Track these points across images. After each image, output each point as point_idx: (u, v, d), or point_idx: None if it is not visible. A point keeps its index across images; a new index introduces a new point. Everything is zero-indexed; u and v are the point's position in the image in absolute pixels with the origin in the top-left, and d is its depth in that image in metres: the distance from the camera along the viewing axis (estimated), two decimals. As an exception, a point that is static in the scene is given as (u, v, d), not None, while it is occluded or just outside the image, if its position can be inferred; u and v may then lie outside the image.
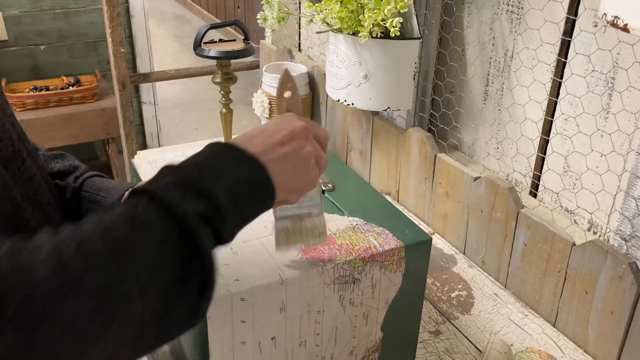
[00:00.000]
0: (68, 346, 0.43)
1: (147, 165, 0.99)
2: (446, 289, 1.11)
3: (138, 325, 0.47)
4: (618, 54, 0.95)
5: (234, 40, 1.86)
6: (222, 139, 1.10)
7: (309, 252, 0.74)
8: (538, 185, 1.15)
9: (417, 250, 0.78)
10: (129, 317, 0.46)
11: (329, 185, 0.90)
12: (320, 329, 0.76)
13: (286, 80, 0.68)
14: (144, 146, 3.17)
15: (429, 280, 1.13)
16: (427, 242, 0.80)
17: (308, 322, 0.74)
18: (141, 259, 0.47)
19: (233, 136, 1.03)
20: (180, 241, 0.49)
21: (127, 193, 0.53)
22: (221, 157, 0.55)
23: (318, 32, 1.26)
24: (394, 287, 0.78)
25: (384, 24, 1.10)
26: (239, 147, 0.56)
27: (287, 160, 0.59)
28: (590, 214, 1.05)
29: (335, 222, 0.82)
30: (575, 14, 1.00)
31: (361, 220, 0.82)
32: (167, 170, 0.53)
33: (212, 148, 0.56)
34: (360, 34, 1.12)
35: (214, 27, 1.83)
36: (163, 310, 0.48)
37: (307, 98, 1.64)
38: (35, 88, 2.59)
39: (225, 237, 0.53)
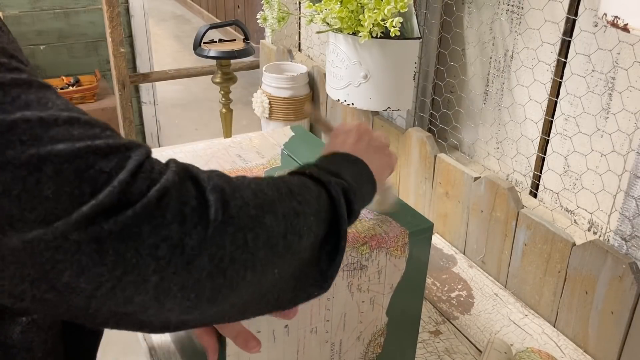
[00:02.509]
0: (262, 259, 0.50)
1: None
2: (446, 289, 1.11)
3: (296, 266, 0.54)
4: (618, 54, 0.95)
5: (234, 40, 1.87)
6: (221, 139, 1.10)
7: None
8: (538, 185, 1.15)
9: (420, 236, 0.80)
10: (296, 252, 0.53)
11: None
12: (330, 316, 0.78)
13: (309, 109, 0.80)
14: (143, 146, 3.17)
15: (428, 280, 1.13)
16: (429, 228, 0.82)
17: (319, 309, 0.76)
18: (309, 204, 0.56)
19: (233, 136, 1.03)
20: (327, 202, 0.58)
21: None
22: (335, 158, 0.67)
23: (318, 32, 1.26)
24: (398, 273, 0.81)
25: (384, 23, 1.10)
26: (341, 152, 0.69)
27: (369, 152, 0.71)
28: (591, 214, 1.05)
29: None
30: (576, 14, 1.00)
31: (364, 209, 0.83)
32: (299, 168, 0.63)
33: (324, 156, 0.68)
34: (360, 34, 1.12)
35: (214, 27, 1.83)
36: (309, 260, 0.56)
37: (307, 98, 1.64)
38: (35, 88, 2.58)
39: (355, 210, 0.63)
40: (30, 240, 0.40)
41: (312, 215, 0.55)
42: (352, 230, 0.79)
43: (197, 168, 0.50)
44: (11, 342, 0.56)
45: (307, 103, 0.85)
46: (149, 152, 0.47)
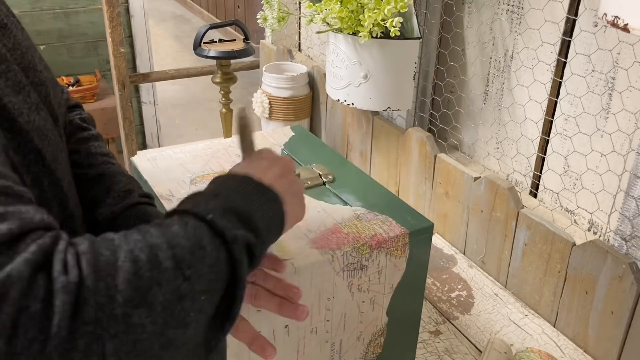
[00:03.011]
0: None
1: (147, 163, 0.99)
2: (446, 289, 1.11)
3: (182, 356, 0.45)
4: (618, 54, 0.95)
5: (234, 40, 1.87)
6: (221, 139, 1.10)
7: (319, 242, 0.76)
8: (538, 185, 1.15)
9: (420, 236, 0.80)
10: (180, 346, 0.44)
11: (329, 177, 0.91)
12: (331, 316, 0.78)
13: (242, 119, 0.70)
14: (143, 146, 3.17)
15: (428, 280, 1.13)
16: (429, 227, 0.82)
17: (319, 309, 0.76)
18: (201, 278, 0.45)
19: (233, 135, 1.03)
20: (226, 265, 0.48)
21: (166, 212, 0.53)
22: (252, 189, 0.56)
23: (318, 32, 1.26)
24: (398, 273, 0.81)
25: (384, 23, 1.10)
26: (259, 181, 0.57)
27: (287, 194, 0.60)
28: (591, 214, 1.05)
29: (339, 212, 0.83)
30: (576, 14, 1.00)
31: (364, 209, 0.83)
32: (204, 196, 0.53)
33: (235, 178, 0.57)
34: (360, 34, 1.12)
35: (214, 27, 1.83)
36: (197, 344, 0.46)
37: (307, 98, 1.64)
38: (35, 88, 2.58)
39: (255, 262, 0.53)
40: None
41: (203, 293, 0.45)
42: (353, 230, 0.79)
43: (66, 247, 0.39)
44: None
45: (242, 110, 0.72)
46: (22, 229, 0.38)
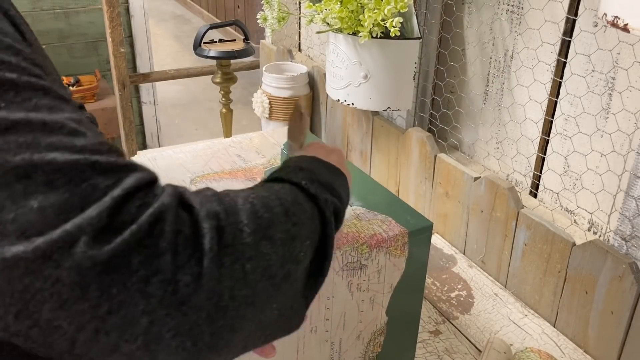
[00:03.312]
0: (261, 294, 0.45)
1: (147, 163, 1.00)
2: (446, 288, 1.11)
3: (291, 297, 0.50)
4: (618, 54, 0.95)
5: (234, 40, 1.87)
6: (221, 139, 1.10)
7: None
8: (538, 185, 1.15)
9: (420, 235, 0.81)
10: (293, 281, 0.49)
11: None
12: (330, 315, 0.78)
13: (298, 111, 0.76)
14: (143, 146, 3.17)
15: (428, 280, 1.13)
16: (429, 227, 0.82)
17: (318, 309, 0.76)
18: (304, 226, 0.51)
19: (233, 135, 1.03)
20: (318, 223, 0.53)
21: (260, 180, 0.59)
22: (323, 166, 0.62)
23: (318, 32, 1.26)
24: (397, 272, 0.81)
25: (384, 24, 1.10)
26: (326, 161, 0.63)
27: (344, 169, 0.66)
28: (591, 214, 1.05)
29: None
30: (575, 14, 1.00)
31: (364, 209, 0.83)
32: (291, 169, 0.58)
33: (307, 158, 0.62)
34: (360, 34, 1.12)
35: (214, 27, 1.83)
36: (299, 289, 0.51)
37: (307, 98, 1.64)
38: (35, 88, 2.58)
39: (340, 228, 0.59)
40: (10, 259, 0.37)
41: (308, 238, 0.51)
42: (352, 230, 0.79)
43: (190, 192, 0.46)
44: None
45: (299, 105, 0.77)
46: (152, 177, 0.43)
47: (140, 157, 1.02)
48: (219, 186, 0.87)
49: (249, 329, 0.45)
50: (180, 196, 0.43)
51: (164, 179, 0.47)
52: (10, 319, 0.38)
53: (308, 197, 0.54)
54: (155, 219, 0.40)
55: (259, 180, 0.65)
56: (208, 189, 0.48)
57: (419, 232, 0.80)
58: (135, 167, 0.42)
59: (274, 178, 0.56)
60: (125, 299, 0.38)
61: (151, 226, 0.39)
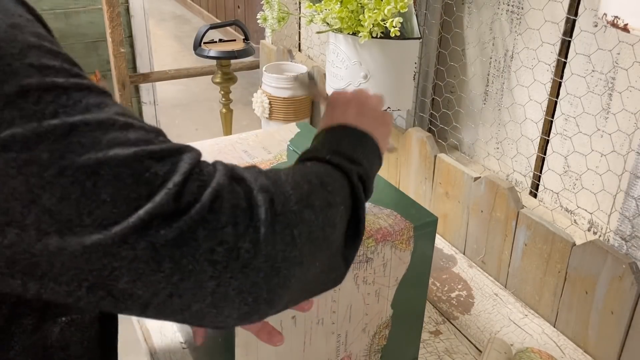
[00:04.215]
0: (307, 254, 0.50)
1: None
2: (446, 289, 1.11)
3: (329, 256, 0.55)
4: (618, 54, 0.95)
5: (234, 40, 1.87)
6: (228, 135, 1.10)
7: None
8: (538, 185, 1.15)
9: (425, 229, 0.81)
10: (332, 243, 0.55)
11: None
12: (337, 307, 0.78)
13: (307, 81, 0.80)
14: (144, 146, 3.17)
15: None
16: (434, 221, 0.82)
17: (325, 301, 0.77)
18: (338, 193, 0.57)
19: (233, 135, 1.03)
20: (349, 190, 0.59)
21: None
22: (345, 136, 0.67)
23: (318, 32, 1.26)
24: (403, 266, 0.81)
25: (384, 24, 1.10)
26: (349, 127, 0.68)
27: (372, 125, 0.70)
28: (591, 214, 1.05)
29: None
30: (575, 14, 1.00)
31: (370, 203, 0.84)
32: (314, 148, 0.65)
33: (328, 131, 0.68)
34: (360, 34, 1.12)
35: (214, 27, 1.83)
36: (337, 249, 0.56)
37: (307, 98, 1.64)
38: (35, 88, 2.59)
39: (369, 192, 0.64)
40: (90, 245, 0.41)
41: (341, 204, 0.57)
42: None
43: (241, 168, 0.50)
44: (49, 342, 0.57)
45: (303, 77, 0.84)
46: (199, 155, 0.47)
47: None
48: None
49: (297, 285, 0.51)
50: (231, 172, 0.48)
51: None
52: (83, 292, 0.42)
53: (334, 168, 0.60)
54: (214, 197, 0.44)
55: None
56: (254, 166, 0.52)
57: (424, 226, 0.81)
58: (183, 149, 0.47)
59: (302, 159, 0.63)
60: (194, 268, 0.43)
61: (212, 203, 0.44)
